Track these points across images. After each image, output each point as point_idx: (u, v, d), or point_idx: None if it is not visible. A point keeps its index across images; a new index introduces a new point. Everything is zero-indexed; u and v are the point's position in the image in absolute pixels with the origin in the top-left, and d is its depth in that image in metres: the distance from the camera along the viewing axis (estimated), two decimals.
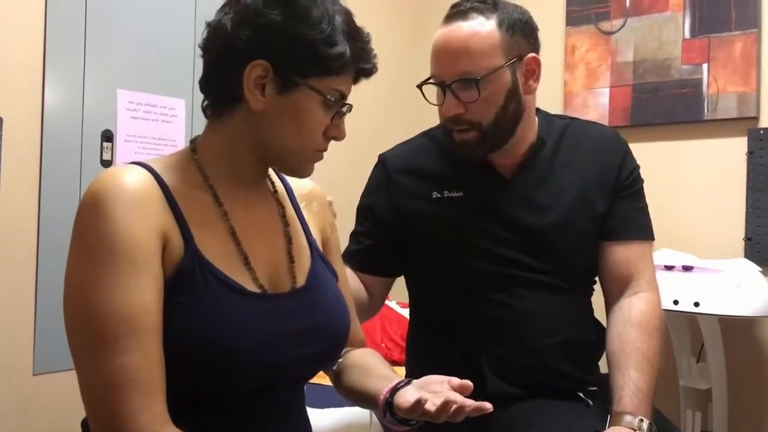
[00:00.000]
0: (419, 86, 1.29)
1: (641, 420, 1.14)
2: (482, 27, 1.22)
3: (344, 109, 0.95)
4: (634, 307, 1.28)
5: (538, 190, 1.31)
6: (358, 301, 1.31)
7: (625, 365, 1.21)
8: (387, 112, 2.84)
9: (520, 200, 1.30)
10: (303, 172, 0.98)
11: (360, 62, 0.93)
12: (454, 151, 1.30)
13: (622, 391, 1.18)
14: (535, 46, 1.29)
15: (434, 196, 1.32)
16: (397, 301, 2.41)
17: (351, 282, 1.33)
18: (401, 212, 1.34)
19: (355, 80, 0.96)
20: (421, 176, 1.34)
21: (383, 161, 1.40)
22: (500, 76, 1.23)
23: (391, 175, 1.36)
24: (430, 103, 1.30)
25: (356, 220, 1.42)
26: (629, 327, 1.26)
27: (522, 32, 1.25)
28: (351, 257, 1.36)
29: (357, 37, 0.92)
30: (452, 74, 1.23)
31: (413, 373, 1.01)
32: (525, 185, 1.31)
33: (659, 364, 1.24)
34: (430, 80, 1.28)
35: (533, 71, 1.27)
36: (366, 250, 1.38)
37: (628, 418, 1.14)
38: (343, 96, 0.94)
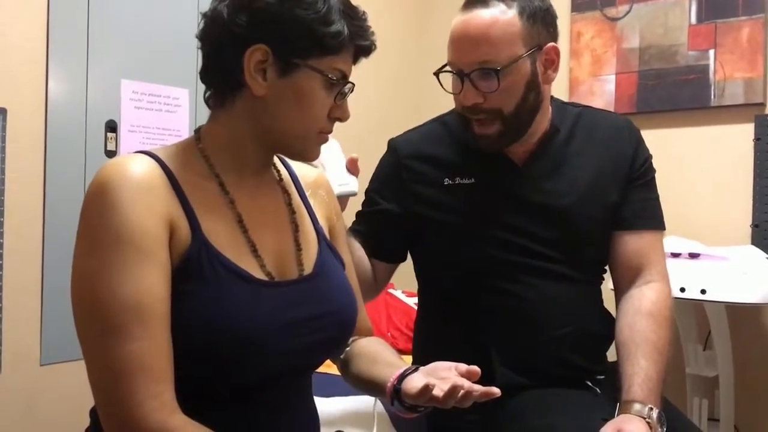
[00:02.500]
0: (436, 74, 1.27)
1: (651, 408, 1.14)
2: (503, 15, 1.19)
3: (346, 89, 0.95)
4: (644, 297, 1.28)
5: (550, 178, 1.30)
6: (363, 278, 1.31)
7: (634, 354, 1.20)
8: (391, 96, 2.83)
9: (533, 188, 1.29)
10: (309, 155, 0.98)
11: (358, 40, 0.93)
12: (474, 143, 1.28)
13: (632, 379, 1.17)
14: (555, 36, 1.27)
15: (446, 183, 1.31)
16: (403, 290, 2.41)
17: (358, 254, 1.32)
18: (412, 198, 1.33)
19: (355, 59, 0.95)
20: (432, 162, 1.33)
21: (394, 147, 1.39)
22: (520, 66, 1.20)
23: (402, 161, 1.35)
24: (446, 91, 1.28)
25: (363, 203, 1.41)
26: (639, 316, 1.25)
27: (543, 21, 1.23)
28: (355, 237, 1.35)
29: (353, 15, 0.92)
30: (471, 63, 1.20)
31: (420, 362, 1.01)
32: (538, 173, 1.30)
33: (668, 353, 1.24)
34: (446, 68, 1.25)
35: (552, 61, 1.25)
36: (369, 233, 1.37)
37: (637, 406, 1.14)
38: (345, 75, 0.93)
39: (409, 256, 1.43)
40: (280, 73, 0.90)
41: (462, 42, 1.21)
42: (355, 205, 1.40)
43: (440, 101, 1.30)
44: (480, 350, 1.25)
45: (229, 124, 0.94)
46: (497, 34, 1.19)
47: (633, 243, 1.31)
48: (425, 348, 1.40)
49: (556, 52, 1.26)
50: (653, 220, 1.34)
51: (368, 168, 1.43)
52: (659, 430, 1.13)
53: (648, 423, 1.11)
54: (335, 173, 1.22)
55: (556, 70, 1.27)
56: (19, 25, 1.87)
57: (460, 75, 1.22)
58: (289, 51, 0.89)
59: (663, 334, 1.24)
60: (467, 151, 1.30)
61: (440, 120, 1.40)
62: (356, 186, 1.27)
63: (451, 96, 1.29)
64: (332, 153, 1.23)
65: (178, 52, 2.12)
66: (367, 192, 1.41)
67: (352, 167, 1.26)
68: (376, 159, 1.43)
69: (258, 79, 0.89)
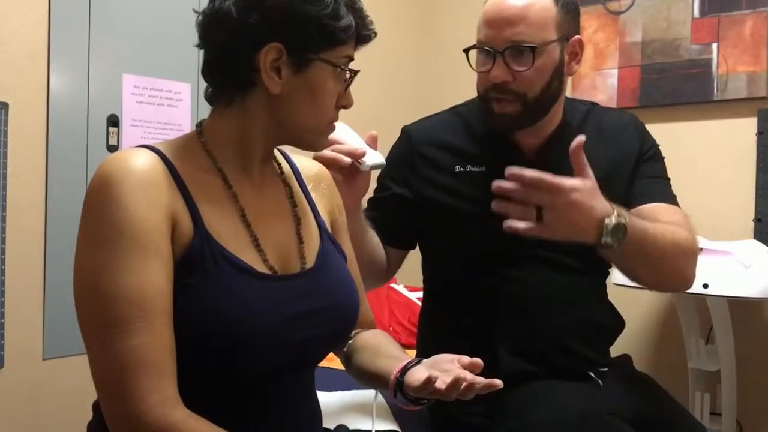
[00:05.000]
0: (466, 51, 1.28)
1: (620, 214, 1.10)
2: (540, 0, 1.22)
3: (353, 75, 0.96)
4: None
5: (560, 170, 1.30)
6: (378, 264, 1.32)
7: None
8: (392, 85, 2.82)
9: None
10: (320, 146, 1.00)
11: (362, 30, 0.95)
12: (490, 122, 1.29)
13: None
14: (579, 30, 1.29)
15: (457, 170, 1.32)
16: (405, 285, 2.42)
17: (374, 240, 1.33)
18: (423, 183, 1.34)
19: (355, 47, 0.97)
20: (444, 149, 1.34)
21: (407, 133, 1.40)
22: (551, 51, 1.23)
23: (415, 147, 1.37)
24: (473, 69, 1.29)
25: (375, 189, 1.42)
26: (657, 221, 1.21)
27: (573, 13, 1.26)
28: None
29: (355, 7, 0.94)
30: (506, 41, 1.21)
31: (425, 352, 1.01)
32: (547, 165, 1.30)
33: (668, 248, 1.17)
34: (475, 46, 1.26)
35: (576, 53, 1.28)
36: (381, 219, 1.37)
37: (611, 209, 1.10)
38: (351, 60, 0.95)
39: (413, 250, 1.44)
40: (295, 70, 0.90)
41: (498, 21, 1.22)
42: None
43: (441, 84, 1.31)
44: (485, 338, 1.26)
45: (238, 121, 0.93)
46: (534, 16, 1.21)
47: (648, 210, 1.27)
48: (430, 338, 1.41)
49: (581, 45, 1.28)
50: (664, 196, 1.30)
51: None
52: (609, 224, 1.09)
53: (607, 220, 1.08)
54: (367, 149, 1.22)
55: (579, 62, 1.30)
56: (21, 19, 1.87)
57: (492, 52, 1.23)
58: (302, 47, 0.90)
59: (676, 231, 1.19)
60: (480, 140, 1.32)
61: (454, 110, 1.42)
62: (383, 158, 1.26)
63: (453, 79, 1.30)
64: (349, 134, 1.23)
65: (180, 46, 2.12)
66: (378, 178, 1.42)
67: (373, 144, 1.27)
68: (378, 142, 1.44)
69: (275, 78, 0.89)
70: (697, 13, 2.30)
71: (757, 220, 2.18)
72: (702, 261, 1.94)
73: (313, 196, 1.06)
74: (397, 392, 0.95)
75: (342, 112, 0.99)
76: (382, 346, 1.05)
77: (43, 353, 1.92)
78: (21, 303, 1.88)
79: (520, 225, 1.05)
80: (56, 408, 1.91)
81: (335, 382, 1.45)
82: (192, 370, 0.84)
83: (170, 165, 0.89)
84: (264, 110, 0.92)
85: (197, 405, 0.83)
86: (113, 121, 2.04)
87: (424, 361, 0.96)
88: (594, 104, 1.42)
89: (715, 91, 2.26)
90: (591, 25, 2.50)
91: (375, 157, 1.23)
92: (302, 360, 0.96)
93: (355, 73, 0.96)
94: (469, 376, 0.88)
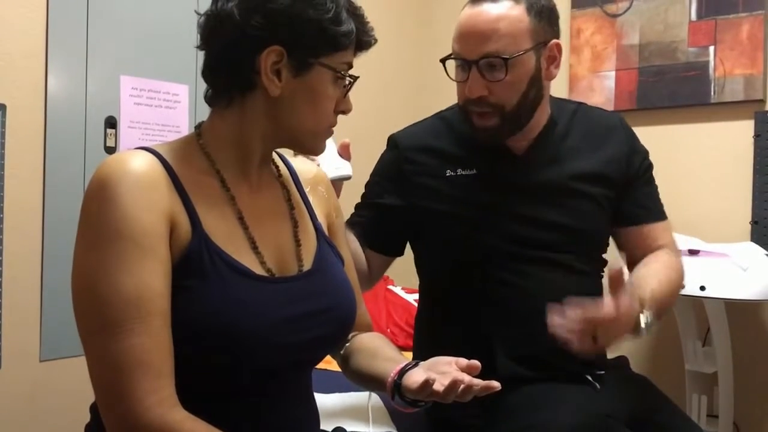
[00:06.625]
0: (443, 61, 1.29)
1: (645, 312, 1.14)
2: (512, 10, 1.22)
3: (352, 81, 0.96)
4: (659, 255, 1.33)
5: (549, 166, 1.32)
6: (358, 269, 1.31)
7: (650, 278, 1.22)
8: (389, 89, 2.83)
9: (533, 177, 1.30)
10: (318, 149, 1.00)
11: (362, 36, 0.95)
12: (473, 135, 1.30)
13: (641, 289, 1.17)
14: (557, 33, 1.30)
15: (447, 174, 1.32)
16: (403, 287, 2.42)
17: (353, 246, 1.33)
18: (414, 190, 1.34)
19: (354, 53, 0.97)
20: (433, 154, 1.35)
21: (394, 141, 1.40)
22: (526, 61, 1.23)
23: (403, 154, 1.37)
24: (451, 78, 1.29)
25: (363, 195, 1.43)
26: (655, 262, 1.30)
27: (548, 19, 1.26)
28: (352, 228, 1.36)
29: (356, 13, 0.94)
30: (479, 53, 1.22)
31: (422, 356, 1.01)
32: (536, 162, 1.32)
33: (672, 299, 1.27)
34: (451, 56, 1.27)
35: (555, 57, 1.28)
36: (369, 225, 1.38)
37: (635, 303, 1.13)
38: (350, 67, 0.96)
39: (407, 251, 1.44)
40: (295, 73, 0.91)
41: (470, 35, 1.23)
42: (353, 196, 1.40)
43: (439, 93, 1.31)
44: (482, 342, 1.26)
45: (238, 122, 0.94)
46: (506, 29, 1.21)
47: (645, 234, 1.35)
48: (426, 342, 1.41)
49: (559, 48, 1.28)
50: (659, 212, 1.38)
51: (365, 159, 1.44)
52: (642, 328, 1.13)
53: (643, 322, 1.13)
54: (328, 159, 1.23)
55: (557, 66, 1.30)
56: (19, 20, 1.87)
57: (467, 64, 1.23)
58: (303, 51, 0.90)
59: (675, 278, 1.28)
60: (468, 143, 1.32)
61: (439, 115, 1.42)
62: (350, 170, 1.27)
63: (450, 88, 1.31)
64: None
65: (178, 48, 2.12)
66: (367, 185, 1.42)
67: (344, 152, 1.27)
68: (374, 150, 1.44)
69: (275, 80, 0.90)
70: (694, 16, 2.30)
71: (754, 222, 2.18)
72: (699, 263, 1.96)
73: (311, 198, 1.07)
74: (395, 394, 0.95)
75: (338, 118, 0.99)
76: (379, 349, 1.05)
77: (41, 355, 1.92)
78: (18, 304, 1.88)
79: (578, 346, 1.09)
80: (53, 410, 1.91)
81: (333, 384, 1.46)
82: (190, 371, 0.84)
83: (168, 167, 0.89)
84: (263, 112, 0.93)
85: (195, 406, 0.83)
86: (111, 123, 2.04)
87: (422, 363, 0.96)
88: (581, 104, 1.43)
89: (712, 93, 2.26)
90: (588, 27, 2.51)
91: (340, 169, 1.23)
92: (299, 362, 0.96)
93: (354, 78, 0.96)
94: (467, 378, 0.88)
